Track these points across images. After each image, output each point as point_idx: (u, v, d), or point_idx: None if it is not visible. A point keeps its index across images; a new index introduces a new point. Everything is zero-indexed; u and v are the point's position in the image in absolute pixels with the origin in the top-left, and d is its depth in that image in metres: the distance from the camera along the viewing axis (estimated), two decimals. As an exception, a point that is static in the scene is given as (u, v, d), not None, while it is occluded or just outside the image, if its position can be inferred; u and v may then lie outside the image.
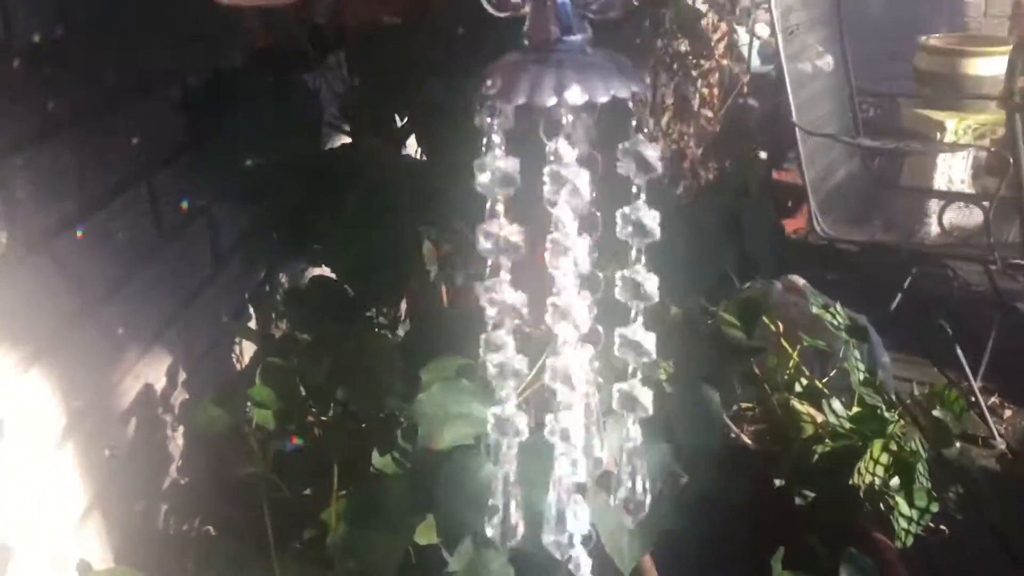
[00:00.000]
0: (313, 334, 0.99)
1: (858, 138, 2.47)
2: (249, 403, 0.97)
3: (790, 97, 2.28)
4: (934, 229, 2.45)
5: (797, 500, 1.22)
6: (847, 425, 1.20)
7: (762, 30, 3.30)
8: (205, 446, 0.99)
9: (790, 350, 1.36)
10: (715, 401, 0.88)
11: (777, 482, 1.25)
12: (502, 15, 0.46)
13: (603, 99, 0.44)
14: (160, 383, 1.04)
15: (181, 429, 1.10)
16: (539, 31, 0.45)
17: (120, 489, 0.96)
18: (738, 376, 1.00)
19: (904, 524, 1.19)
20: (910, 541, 1.19)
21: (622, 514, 0.75)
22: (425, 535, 0.86)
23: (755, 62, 3.16)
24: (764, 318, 1.25)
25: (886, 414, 1.23)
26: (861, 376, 1.30)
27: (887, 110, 3.24)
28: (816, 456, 1.25)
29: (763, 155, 3.41)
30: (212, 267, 1.17)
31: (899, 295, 2.36)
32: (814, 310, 1.38)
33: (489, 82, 0.45)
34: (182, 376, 1.09)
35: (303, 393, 0.97)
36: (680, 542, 1.24)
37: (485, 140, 0.47)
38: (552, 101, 0.43)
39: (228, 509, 0.93)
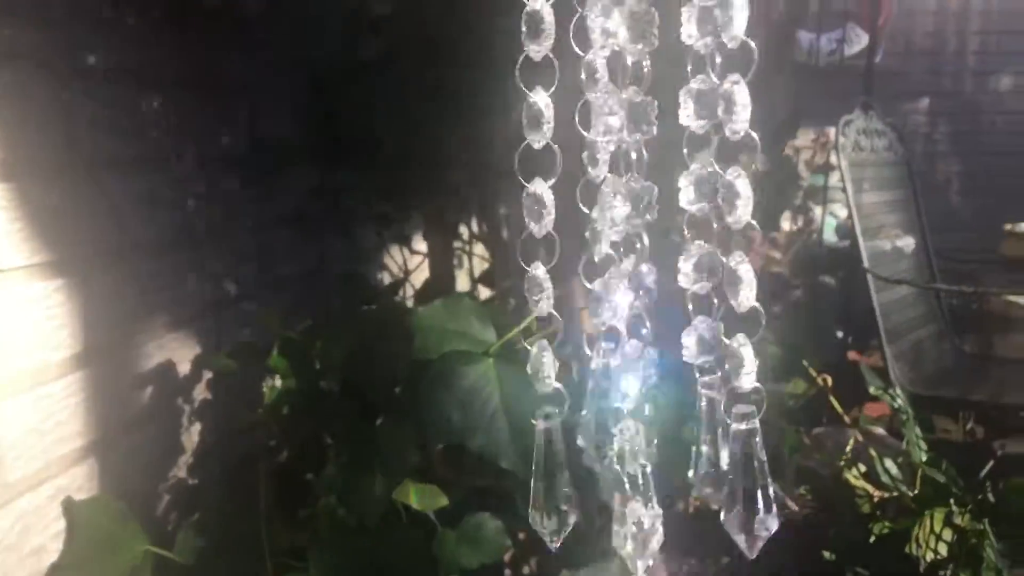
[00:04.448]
0: (335, 315, 0.99)
1: (934, 283, 2.40)
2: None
3: (860, 242, 2.26)
4: (1030, 402, 2.29)
5: (849, 577, 1.08)
6: (903, 488, 1.09)
7: (840, 211, 3.35)
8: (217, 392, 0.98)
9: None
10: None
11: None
12: None
13: None
14: (184, 367, 1.05)
15: (198, 427, 1.08)
16: None
17: (126, 447, 0.94)
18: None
19: (975, 611, 1.04)
20: (984, 633, 1.03)
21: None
22: (412, 495, 0.81)
23: (832, 238, 3.18)
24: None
25: (952, 489, 1.11)
26: (924, 456, 1.19)
27: (974, 296, 3.15)
28: (874, 538, 1.13)
29: (839, 334, 3.33)
30: (254, 288, 1.21)
31: (990, 463, 2.18)
32: (871, 390, 1.30)
33: None
34: (206, 374, 1.10)
35: (317, 367, 0.96)
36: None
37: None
38: None
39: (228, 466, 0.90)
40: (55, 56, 0.82)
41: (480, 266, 1.22)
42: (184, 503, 1.03)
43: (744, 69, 0.35)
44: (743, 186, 0.38)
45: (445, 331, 0.74)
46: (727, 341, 0.39)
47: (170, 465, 1.04)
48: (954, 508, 1.09)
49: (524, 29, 0.37)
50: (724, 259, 0.40)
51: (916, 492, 1.16)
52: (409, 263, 1.27)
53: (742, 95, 0.35)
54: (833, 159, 2.94)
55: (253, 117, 1.17)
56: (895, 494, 1.13)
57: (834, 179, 3.14)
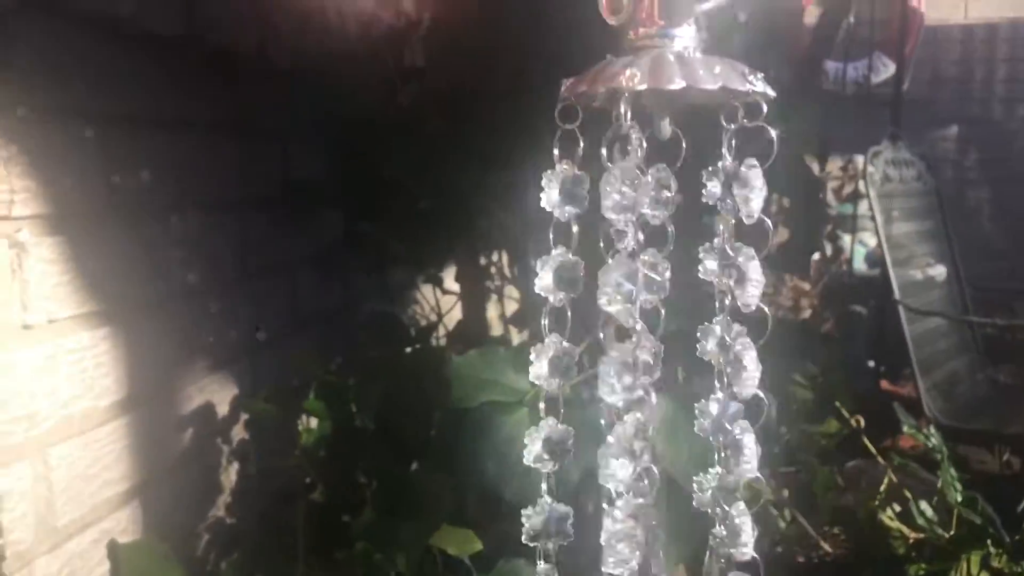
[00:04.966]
0: (371, 358, 1.01)
1: (967, 314, 2.38)
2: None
3: (891, 273, 2.25)
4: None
5: (885, 622, 1.07)
6: (938, 531, 1.08)
7: (870, 239, 3.33)
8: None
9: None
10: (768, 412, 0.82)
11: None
12: (614, 21, 0.38)
13: (709, 86, 0.34)
14: (222, 408, 1.07)
15: (236, 467, 1.10)
16: (641, 22, 0.36)
17: (168, 489, 0.96)
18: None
19: (1014, 657, 1.02)
20: None
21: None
22: (447, 540, 0.82)
23: (862, 267, 3.16)
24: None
25: (989, 530, 1.10)
26: (959, 496, 1.18)
27: (1007, 326, 3.12)
28: (909, 580, 1.12)
29: (871, 364, 3.30)
30: (290, 327, 1.23)
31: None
32: (905, 430, 1.29)
33: (570, 80, 0.37)
34: (244, 415, 1.11)
35: (354, 410, 0.98)
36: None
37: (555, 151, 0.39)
38: (643, 86, 0.34)
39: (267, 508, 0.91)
40: (94, 107, 0.85)
41: (511, 307, 1.23)
42: (223, 543, 1.05)
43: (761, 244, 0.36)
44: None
45: (481, 380, 0.75)
46: (727, 508, 0.40)
47: (209, 505, 1.05)
48: (991, 550, 1.08)
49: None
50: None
51: (952, 534, 1.15)
52: (441, 303, 1.29)
53: (755, 270, 0.36)
54: (862, 187, 2.93)
55: (287, 161, 1.20)
56: (931, 536, 1.12)
57: (863, 208, 3.13)
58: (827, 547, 1.17)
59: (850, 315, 3.16)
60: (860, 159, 3.04)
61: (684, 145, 0.35)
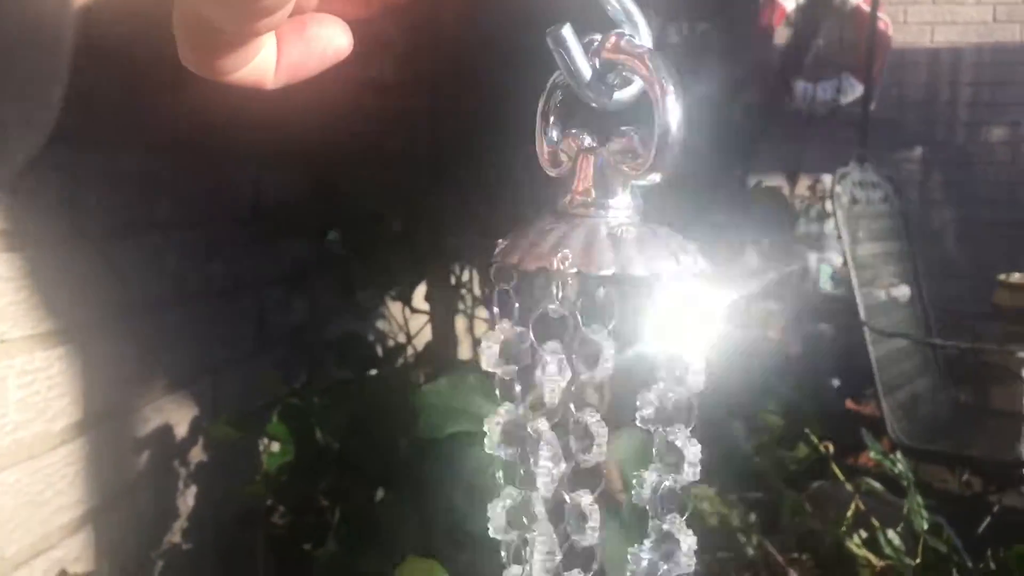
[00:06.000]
0: (337, 380, 0.99)
1: (930, 339, 2.41)
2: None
3: (857, 294, 2.27)
4: (1025, 455, 2.30)
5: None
6: (905, 560, 1.08)
7: (835, 259, 3.36)
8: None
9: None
10: (742, 439, 0.82)
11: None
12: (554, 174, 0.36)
13: (639, 273, 0.32)
14: (181, 429, 1.04)
15: (194, 490, 1.07)
16: (577, 191, 0.34)
17: (122, 514, 0.93)
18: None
19: None
20: None
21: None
22: (412, 572, 0.80)
23: (828, 287, 3.19)
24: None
25: (954, 558, 1.10)
26: (926, 524, 1.18)
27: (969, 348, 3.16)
28: (876, 609, 1.12)
29: (835, 382, 3.33)
30: (253, 346, 1.20)
31: (988, 518, 2.17)
32: (872, 455, 1.29)
33: (501, 242, 0.35)
34: (201, 439, 1.08)
35: (318, 435, 0.95)
36: None
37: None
38: (573, 270, 0.32)
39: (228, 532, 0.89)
40: (58, 124, 0.82)
41: (482, 328, 1.21)
42: (179, 569, 1.02)
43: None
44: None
45: (450, 409, 0.74)
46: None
47: (165, 530, 1.02)
48: (958, 581, 1.08)
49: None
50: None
51: (918, 561, 1.15)
52: (410, 321, 1.27)
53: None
54: (828, 207, 2.95)
55: (257, 180, 1.18)
56: (897, 564, 1.12)
57: (829, 226, 3.16)
58: (794, 573, 1.16)
59: (816, 334, 3.19)
60: (828, 178, 3.07)
61: (616, 306, 0.34)
